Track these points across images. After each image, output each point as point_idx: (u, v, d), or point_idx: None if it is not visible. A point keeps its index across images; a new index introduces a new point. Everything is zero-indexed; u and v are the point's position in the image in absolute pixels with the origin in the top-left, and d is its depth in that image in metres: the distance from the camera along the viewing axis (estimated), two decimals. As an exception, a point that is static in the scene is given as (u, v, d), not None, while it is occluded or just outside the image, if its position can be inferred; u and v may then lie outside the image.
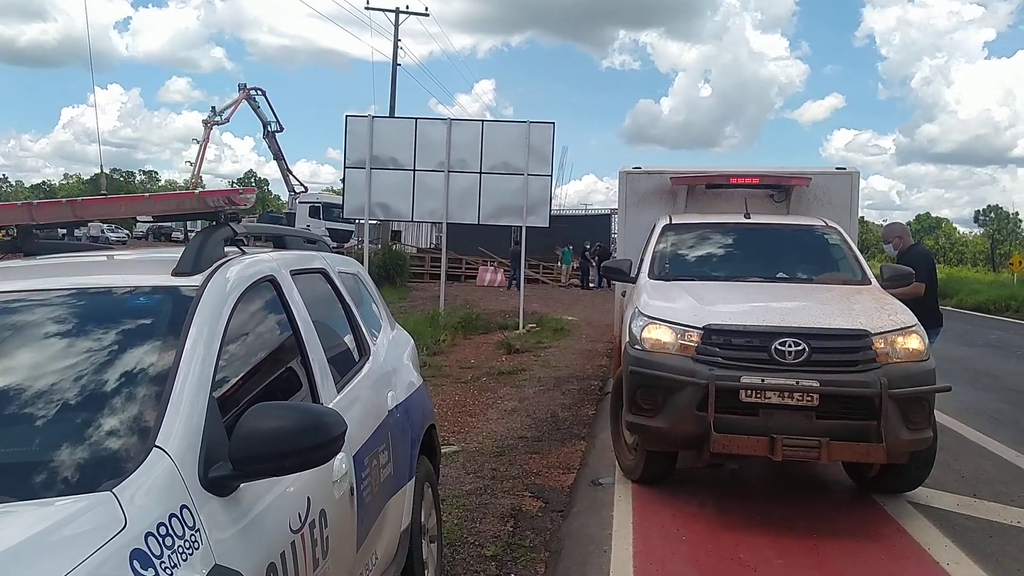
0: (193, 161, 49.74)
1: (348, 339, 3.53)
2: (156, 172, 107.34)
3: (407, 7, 36.21)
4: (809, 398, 4.92)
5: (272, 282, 2.79)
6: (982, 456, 6.88)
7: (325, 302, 3.43)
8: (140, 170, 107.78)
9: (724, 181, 7.84)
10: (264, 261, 2.85)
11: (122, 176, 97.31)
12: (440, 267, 17.71)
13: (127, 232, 51.21)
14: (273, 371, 2.69)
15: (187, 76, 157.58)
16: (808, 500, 5.71)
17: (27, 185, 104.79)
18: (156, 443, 1.83)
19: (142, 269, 2.90)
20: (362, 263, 16.10)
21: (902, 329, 5.17)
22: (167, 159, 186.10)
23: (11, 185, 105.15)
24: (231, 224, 2.84)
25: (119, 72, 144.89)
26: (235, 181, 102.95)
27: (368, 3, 35.62)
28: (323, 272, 3.53)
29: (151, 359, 2.12)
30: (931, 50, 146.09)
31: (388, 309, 4.58)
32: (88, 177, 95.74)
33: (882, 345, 5.06)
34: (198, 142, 48.53)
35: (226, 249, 2.78)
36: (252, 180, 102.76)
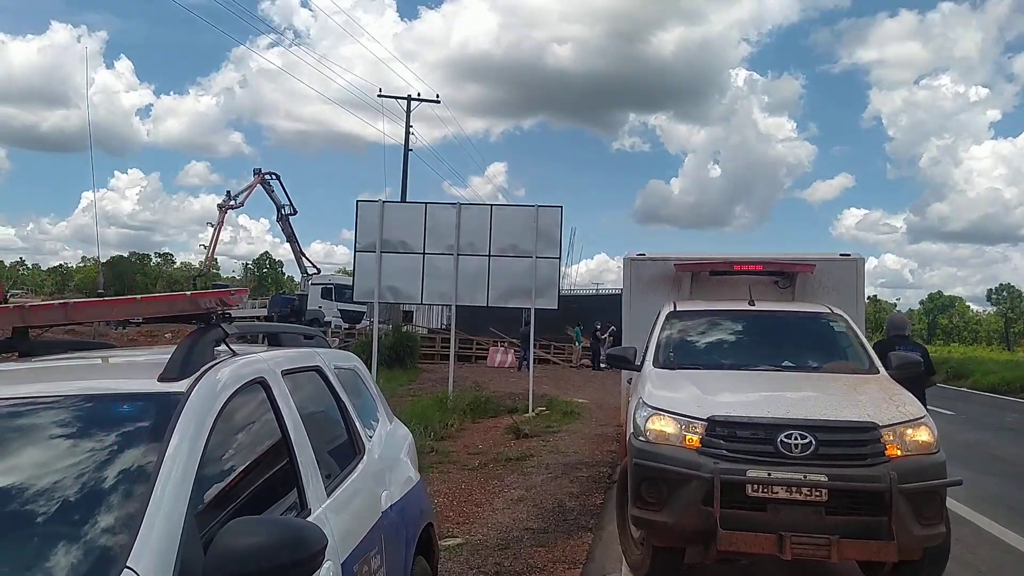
0: (207, 244, 50.37)
1: (342, 437, 3.49)
2: (172, 254, 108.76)
3: (418, 94, 37.13)
4: (817, 493, 4.80)
5: (262, 383, 2.77)
6: (1000, 549, 6.67)
7: (319, 400, 3.40)
8: (156, 252, 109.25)
9: (728, 268, 7.85)
10: (255, 362, 2.84)
11: (138, 259, 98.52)
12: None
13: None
14: (259, 477, 2.65)
15: (205, 160, 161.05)
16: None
17: (44, 268, 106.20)
18: (128, 564, 1.78)
19: (131, 373, 2.88)
20: (372, 345, 16.15)
21: (911, 421, 5.08)
22: (184, 241, 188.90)
23: (28, 268, 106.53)
24: (223, 325, 2.83)
25: (140, 157, 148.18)
26: (249, 263, 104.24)
27: (380, 91, 36.57)
28: (318, 369, 3.51)
29: (128, 471, 2.08)
30: (938, 131, 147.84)
31: (387, 403, 4.53)
32: (104, 260, 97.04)
33: (891, 437, 4.96)
34: (212, 225, 49.18)
35: (217, 350, 2.77)
36: (267, 262, 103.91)
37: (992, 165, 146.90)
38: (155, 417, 2.26)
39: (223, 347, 2.85)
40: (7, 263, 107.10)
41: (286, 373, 3.02)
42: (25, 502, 2.00)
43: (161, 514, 1.93)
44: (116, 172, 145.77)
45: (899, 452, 4.93)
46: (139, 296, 2.81)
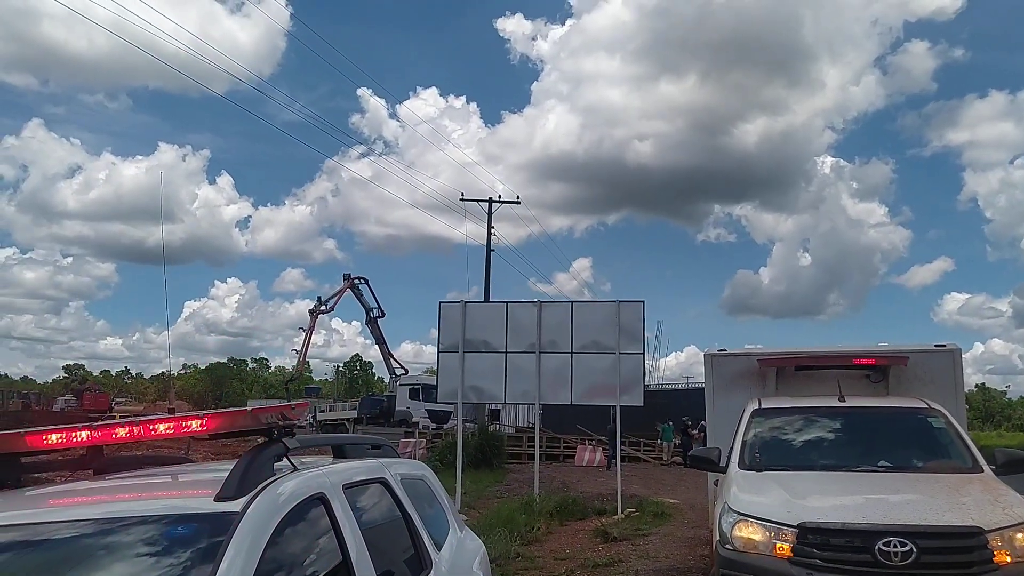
0: (299, 349, 51.67)
1: (408, 551, 3.41)
2: (267, 359, 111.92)
3: (499, 196, 37.98)
4: (922, 606, 4.45)
5: (322, 499, 2.74)
6: None
7: (383, 513, 3.35)
8: (252, 358, 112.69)
9: (815, 362, 7.56)
10: (314, 477, 2.81)
11: (235, 364, 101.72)
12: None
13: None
14: (316, 598, 2.59)
15: (300, 267, 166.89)
16: None
17: (147, 376, 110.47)
18: None
19: (192, 491, 2.89)
20: (456, 446, 16.07)
21: (1020, 524, 4.70)
22: (279, 346, 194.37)
23: (133, 376, 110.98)
24: (284, 440, 2.83)
25: (238, 266, 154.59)
26: (341, 365, 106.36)
27: (463, 195, 37.60)
28: (383, 481, 3.46)
29: None
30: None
31: (456, 513, 4.43)
32: (204, 366, 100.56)
33: (999, 543, 4.60)
34: (304, 330, 50.52)
35: (277, 465, 2.76)
36: (358, 364, 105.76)
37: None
38: (209, 537, 2.25)
39: (284, 462, 2.84)
40: (113, 372, 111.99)
41: (348, 487, 2.98)
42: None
43: None
44: (216, 281, 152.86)
45: (1008, 559, 4.56)
46: (203, 413, 2.83)
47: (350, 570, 2.67)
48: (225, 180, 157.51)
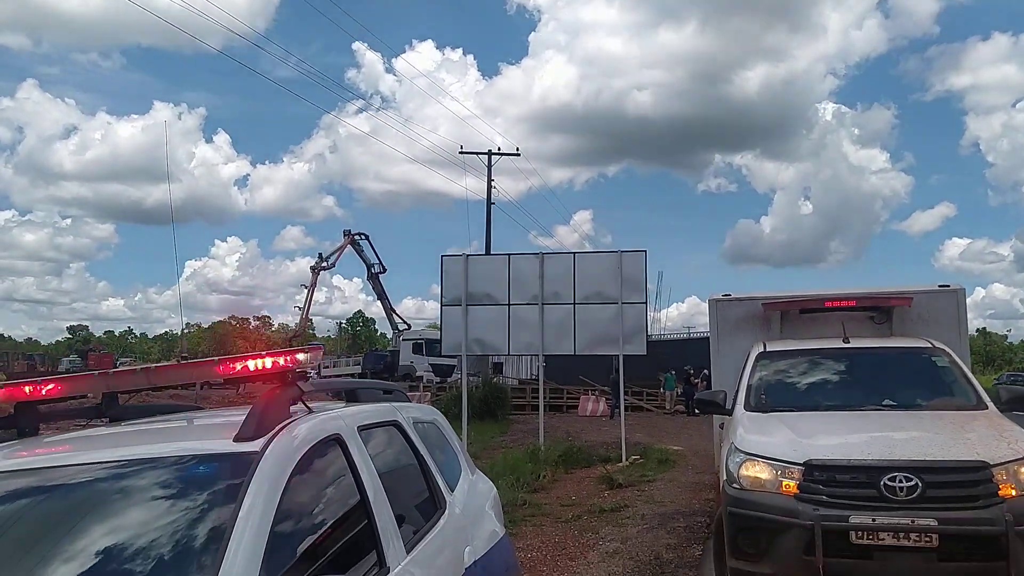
0: (301, 306, 51.76)
1: (422, 493, 3.45)
2: (269, 317, 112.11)
3: (499, 148, 37.75)
4: (927, 538, 4.52)
5: (338, 441, 2.77)
6: None
7: (398, 456, 3.38)
8: (255, 316, 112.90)
9: (819, 305, 7.58)
10: (330, 419, 2.85)
11: (238, 323, 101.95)
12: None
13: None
14: (336, 535, 2.62)
15: (300, 224, 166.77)
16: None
17: (150, 336, 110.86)
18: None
19: (210, 434, 2.93)
20: (461, 398, 16.19)
21: (1026, 458, 4.76)
22: (281, 304, 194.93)
23: (136, 336, 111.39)
24: (299, 384, 2.85)
25: (238, 224, 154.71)
26: (343, 322, 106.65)
27: (462, 148, 37.38)
28: (396, 424, 3.50)
29: (203, 531, 2.10)
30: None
31: (468, 456, 4.48)
32: (207, 326, 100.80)
33: (1004, 476, 4.66)
34: (306, 287, 50.56)
35: (293, 408, 2.79)
36: (360, 320, 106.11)
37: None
38: (230, 477, 2.28)
39: (299, 405, 2.87)
40: (117, 332, 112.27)
41: (363, 429, 3.01)
42: (103, 562, 2.02)
43: (235, 573, 1.92)
44: (216, 240, 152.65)
45: (1014, 492, 4.62)
46: (216, 358, 2.86)
47: (368, 509, 2.71)
48: (222, 138, 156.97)
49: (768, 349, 6.91)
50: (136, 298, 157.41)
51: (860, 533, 4.61)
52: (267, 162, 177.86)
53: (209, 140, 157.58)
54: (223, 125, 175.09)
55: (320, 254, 50.76)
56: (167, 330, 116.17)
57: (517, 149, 39.79)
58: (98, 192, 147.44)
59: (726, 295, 8.38)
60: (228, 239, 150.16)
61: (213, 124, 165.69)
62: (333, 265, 50.40)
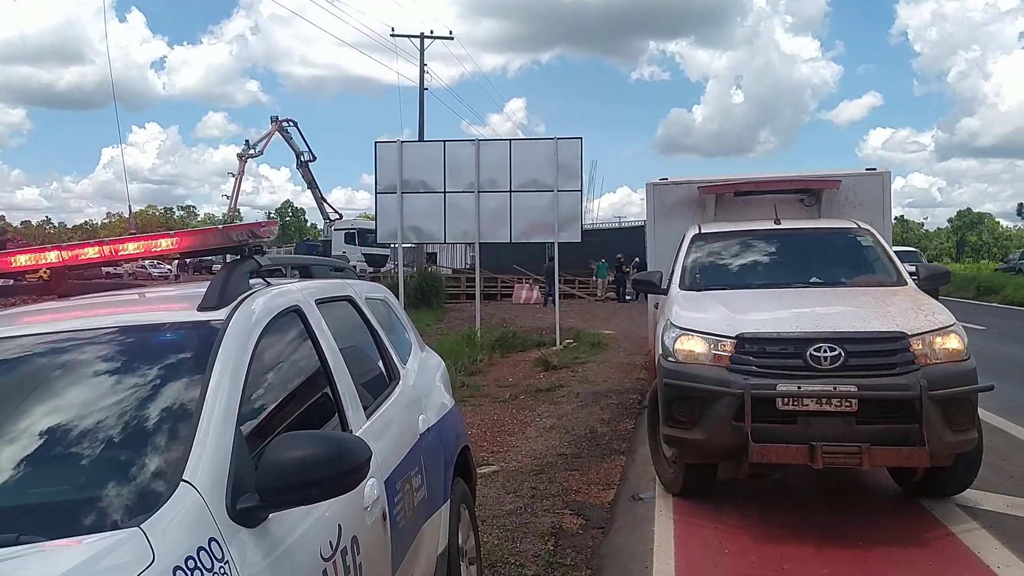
0: (229, 195, 50.56)
1: (377, 365, 3.56)
2: (194, 207, 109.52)
3: (431, 32, 36.65)
4: (848, 403, 4.84)
5: (298, 312, 2.83)
6: (1033, 456, 6.70)
7: (353, 329, 3.46)
8: (178, 206, 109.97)
9: (752, 188, 7.79)
10: (289, 292, 2.89)
11: (161, 212, 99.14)
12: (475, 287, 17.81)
13: (169, 267, 52.19)
14: (301, 400, 2.72)
15: (223, 111, 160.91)
16: (853, 507, 5.60)
17: (70, 226, 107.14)
18: (183, 477, 1.86)
19: (169, 305, 2.95)
20: (397, 287, 16.27)
21: (940, 329, 5.08)
22: (206, 193, 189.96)
23: (54, 226, 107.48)
24: (255, 257, 2.88)
25: (157, 110, 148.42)
26: (272, 212, 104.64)
27: (393, 31, 36.17)
28: (350, 299, 3.57)
29: (177, 394, 2.16)
30: (967, 43, 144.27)
31: (417, 332, 4.59)
32: (127, 216, 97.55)
33: (920, 346, 4.98)
34: (234, 176, 49.33)
35: (251, 282, 2.83)
36: (289, 210, 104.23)
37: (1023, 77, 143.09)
38: (198, 344, 2.32)
39: (257, 280, 2.91)
40: (34, 222, 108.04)
41: (320, 302, 3.07)
42: (85, 426, 2.07)
43: (212, 431, 2.00)
44: (134, 127, 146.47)
45: (929, 360, 4.95)
46: (173, 231, 2.86)
47: (329, 377, 2.80)
48: (136, 17, 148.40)
49: (703, 231, 7.10)
50: (52, 187, 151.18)
51: (786, 400, 4.90)
52: (185, 43, 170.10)
53: (123, 19, 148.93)
54: (136, 3, 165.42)
55: (247, 141, 49.45)
56: (86, 220, 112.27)
57: (450, 33, 38.65)
58: (6, 75, 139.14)
59: (663, 179, 8.51)
60: (146, 125, 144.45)
61: (126, 2, 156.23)
62: (261, 152, 49.24)
